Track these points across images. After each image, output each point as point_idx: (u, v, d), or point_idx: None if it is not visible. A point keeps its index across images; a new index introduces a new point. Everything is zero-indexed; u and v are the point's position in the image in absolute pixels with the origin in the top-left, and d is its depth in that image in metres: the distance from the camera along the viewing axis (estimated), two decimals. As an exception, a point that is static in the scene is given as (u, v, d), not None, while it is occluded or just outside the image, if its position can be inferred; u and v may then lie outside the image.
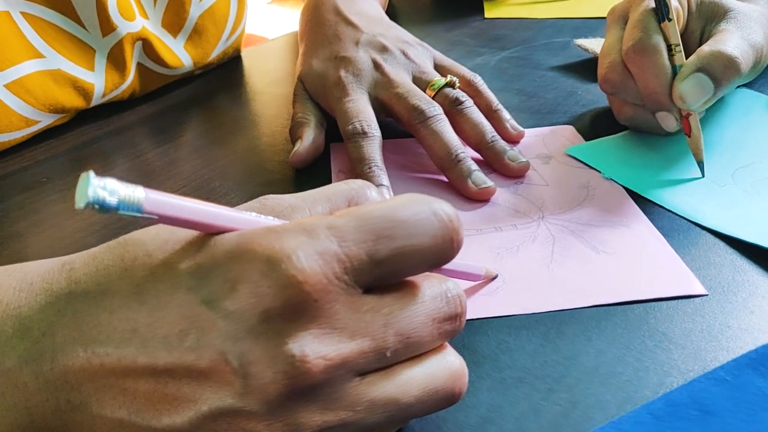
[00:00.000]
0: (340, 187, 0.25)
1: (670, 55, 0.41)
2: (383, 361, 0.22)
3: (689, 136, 0.41)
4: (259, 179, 0.45)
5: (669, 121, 0.42)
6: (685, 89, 0.40)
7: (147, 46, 0.53)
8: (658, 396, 0.26)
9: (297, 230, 0.21)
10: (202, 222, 0.21)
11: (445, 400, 0.23)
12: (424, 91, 0.45)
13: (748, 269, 0.33)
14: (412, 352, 0.23)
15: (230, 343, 0.20)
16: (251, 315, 0.20)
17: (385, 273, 0.22)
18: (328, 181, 0.43)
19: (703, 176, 0.41)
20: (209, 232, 0.22)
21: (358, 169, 0.41)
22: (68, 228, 0.41)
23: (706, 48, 0.40)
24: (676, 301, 0.32)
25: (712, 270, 0.34)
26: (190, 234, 0.22)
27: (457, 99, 0.44)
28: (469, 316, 0.31)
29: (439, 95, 0.45)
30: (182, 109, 0.55)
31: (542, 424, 0.26)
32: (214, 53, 0.59)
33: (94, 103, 0.51)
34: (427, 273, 0.25)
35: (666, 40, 0.41)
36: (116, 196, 0.19)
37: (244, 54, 0.66)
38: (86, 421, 0.22)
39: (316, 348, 0.20)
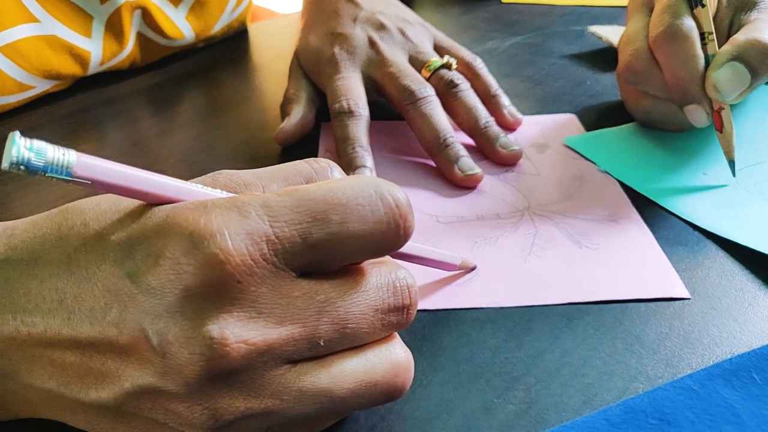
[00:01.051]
0: (301, 167, 0.24)
1: (703, 44, 0.38)
2: (316, 350, 0.21)
3: (720, 132, 0.38)
4: (244, 155, 0.44)
5: (698, 115, 0.39)
6: (720, 79, 0.37)
7: (147, 16, 0.52)
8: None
9: (227, 206, 0.20)
10: (138, 189, 0.20)
11: (384, 394, 0.22)
12: (420, 72, 0.44)
13: (738, 274, 0.31)
14: (350, 342, 0.21)
15: (150, 320, 0.19)
16: (171, 292, 0.19)
17: (321, 257, 0.21)
18: (314, 160, 0.42)
19: (734, 176, 0.38)
20: (150, 202, 0.21)
21: (341, 149, 0.39)
22: (53, 193, 0.40)
23: (740, 36, 0.37)
24: (655, 303, 0.30)
25: (699, 272, 0.32)
26: (131, 204, 0.21)
27: (451, 81, 0.42)
28: (434, 307, 0.30)
29: (434, 77, 0.43)
30: (181, 81, 0.55)
31: (492, 423, 0.24)
32: (218, 26, 0.58)
33: (91, 71, 0.51)
34: (382, 259, 0.23)
35: (699, 27, 0.38)
36: (43, 158, 0.18)
37: (251, 29, 0.65)
38: (18, 390, 0.21)
39: (237, 331, 0.19)
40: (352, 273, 0.22)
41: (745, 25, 0.38)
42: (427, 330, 0.29)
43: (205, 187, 0.22)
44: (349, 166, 0.38)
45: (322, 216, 0.20)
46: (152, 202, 0.21)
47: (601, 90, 0.50)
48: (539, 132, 0.45)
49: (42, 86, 0.48)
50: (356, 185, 0.21)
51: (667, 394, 0.24)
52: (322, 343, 0.20)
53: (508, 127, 0.45)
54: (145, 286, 0.19)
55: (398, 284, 0.22)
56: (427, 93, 0.41)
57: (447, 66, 0.43)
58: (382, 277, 0.22)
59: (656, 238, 0.34)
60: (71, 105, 0.50)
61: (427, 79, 0.43)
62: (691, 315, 0.29)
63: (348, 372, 0.21)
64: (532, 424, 0.24)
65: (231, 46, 0.61)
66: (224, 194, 0.22)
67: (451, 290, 0.31)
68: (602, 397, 0.25)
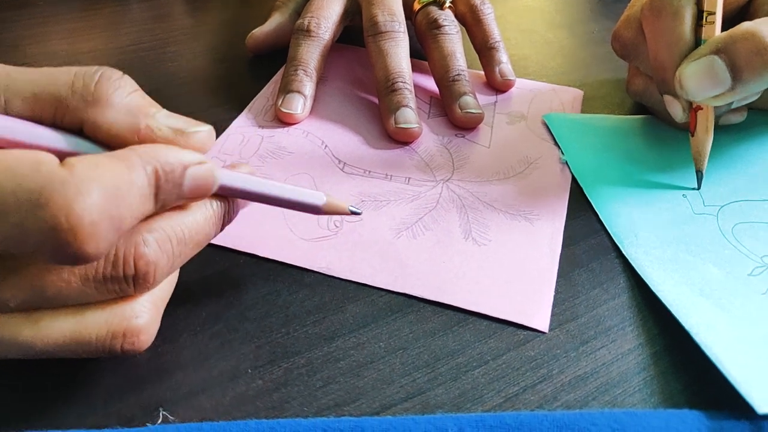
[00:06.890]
0: (62, 78, 0.20)
1: (699, 25, 0.30)
2: (8, 309, 0.20)
3: (692, 135, 0.32)
4: (215, 55, 0.42)
5: (674, 108, 0.32)
6: (688, 74, 0.29)
7: None
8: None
9: None
10: None
11: (103, 352, 0.21)
12: (412, 4, 0.39)
13: (626, 320, 0.26)
14: (57, 303, 0.20)
15: None
16: None
17: None
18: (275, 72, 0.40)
19: (699, 188, 0.32)
20: None
21: (285, 69, 0.36)
22: (39, 53, 0.42)
23: (744, 25, 0.28)
24: (504, 324, 0.25)
25: (581, 308, 0.26)
26: None
27: (435, 21, 0.37)
28: (266, 255, 0.27)
29: (421, 12, 0.38)
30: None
31: (226, 393, 0.22)
32: None
33: None
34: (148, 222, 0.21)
35: (699, 4, 0.30)
36: None
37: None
38: None
39: None
40: None
41: None
42: (239, 276, 0.27)
43: None
44: (284, 88, 0.36)
45: None
46: None
47: (643, 70, 0.42)
48: (528, 100, 0.38)
49: None
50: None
51: (390, 427, 0.20)
52: (12, 305, 0.20)
53: (497, 87, 0.39)
54: None
55: (120, 253, 0.20)
56: (393, 28, 0.36)
57: (438, 3, 0.38)
58: None
59: (565, 254, 0.28)
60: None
61: (416, 12, 0.38)
62: (529, 351, 0.24)
63: (56, 329, 0.20)
64: (262, 409, 0.22)
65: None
66: None
67: (295, 244, 0.28)
68: (349, 408, 0.22)
